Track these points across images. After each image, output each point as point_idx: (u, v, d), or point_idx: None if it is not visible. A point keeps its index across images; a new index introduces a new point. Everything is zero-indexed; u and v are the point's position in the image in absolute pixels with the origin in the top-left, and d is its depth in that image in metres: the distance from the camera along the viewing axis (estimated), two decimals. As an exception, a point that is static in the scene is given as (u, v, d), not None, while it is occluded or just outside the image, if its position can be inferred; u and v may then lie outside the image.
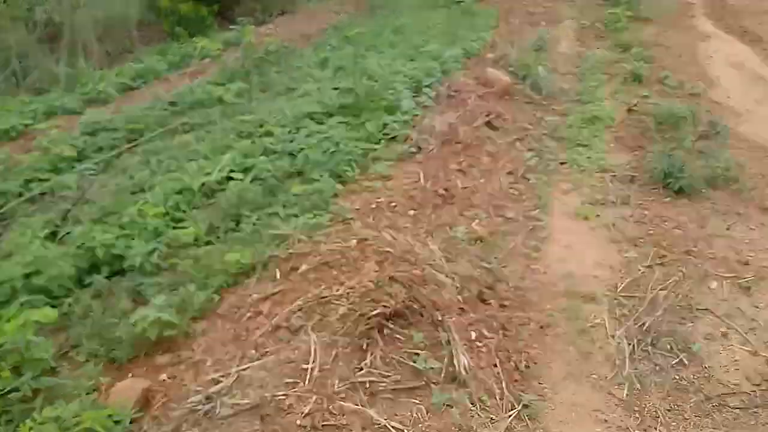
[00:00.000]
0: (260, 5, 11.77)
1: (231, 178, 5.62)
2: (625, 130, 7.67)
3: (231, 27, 10.43)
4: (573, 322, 4.37)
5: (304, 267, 3.93)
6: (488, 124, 7.29)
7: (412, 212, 5.27)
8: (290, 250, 4.17)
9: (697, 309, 4.56)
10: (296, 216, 4.94)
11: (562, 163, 6.85)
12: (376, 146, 6.32)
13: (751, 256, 5.19)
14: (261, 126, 6.72)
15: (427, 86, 8.03)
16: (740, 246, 5.37)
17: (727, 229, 5.65)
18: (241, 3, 11.60)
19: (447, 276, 4.15)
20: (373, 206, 5.28)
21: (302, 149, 6.12)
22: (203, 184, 5.51)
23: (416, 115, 7.00)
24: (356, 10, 13.09)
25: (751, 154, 7.08)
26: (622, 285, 4.80)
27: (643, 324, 4.34)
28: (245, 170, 5.73)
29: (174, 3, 10.37)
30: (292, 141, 6.34)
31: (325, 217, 4.99)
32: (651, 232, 5.53)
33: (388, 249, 4.01)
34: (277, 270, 3.95)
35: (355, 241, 4.12)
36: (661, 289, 4.75)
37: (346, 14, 12.68)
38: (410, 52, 9.69)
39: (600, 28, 11.75)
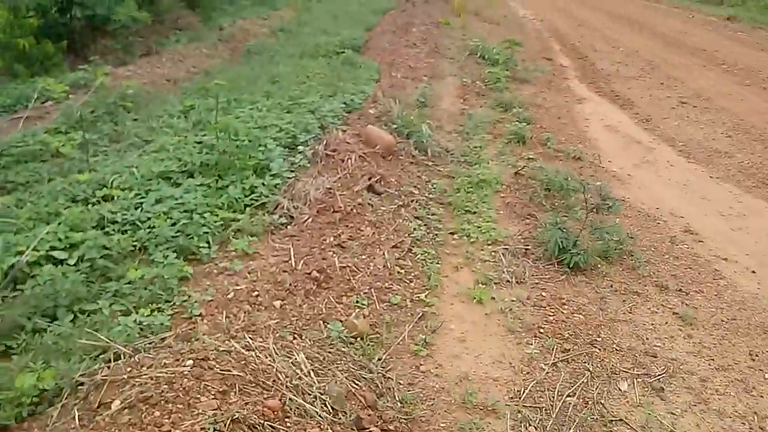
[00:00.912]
0: (120, 44, 10.41)
1: (51, 259, 4.36)
2: (513, 195, 7.12)
3: (82, 67, 9.05)
4: (472, 447, 3.51)
5: (116, 404, 2.79)
6: (370, 188, 6.46)
7: (278, 303, 4.25)
8: (103, 375, 3.02)
9: (611, 420, 3.86)
10: (127, 314, 3.78)
11: (451, 233, 6.12)
12: (240, 216, 5.28)
13: (657, 347, 4.63)
14: (101, 188, 5.49)
15: (303, 143, 7.12)
16: (644, 333, 4.81)
17: (630, 312, 5.09)
18: (97, 41, 10.21)
19: (316, 400, 3.15)
20: (230, 296, 4.22)
21: (148, 219, 4.97)
22: (12, 266, 4.21)
23: (289, 178, 6.02)
24: (231, 55, 12.05)
25: (640, 224, 6.73)
26: (526, 390, 4.03)
27: (554, 448, 3.54)
28: (71, 247, 4.49)
29: (10, 36, 8.83)
30: (137, 208, 5.18)
31: (165, 314, 3.88)
32: (551, 318, 4.85)
33: (235, 372, 2.96)
34: (76, 411, 2.79)
35: (191, 362, 3.03)
36: (568, 395, 4.02)
37: (219, 59, 11.60)
38: (287, 104, 8.77)
39: (481, 86, 11.47)
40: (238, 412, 2.75)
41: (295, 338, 3.83)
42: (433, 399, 3.87)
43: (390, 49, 13.48)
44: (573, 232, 5.89)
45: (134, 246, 4.63)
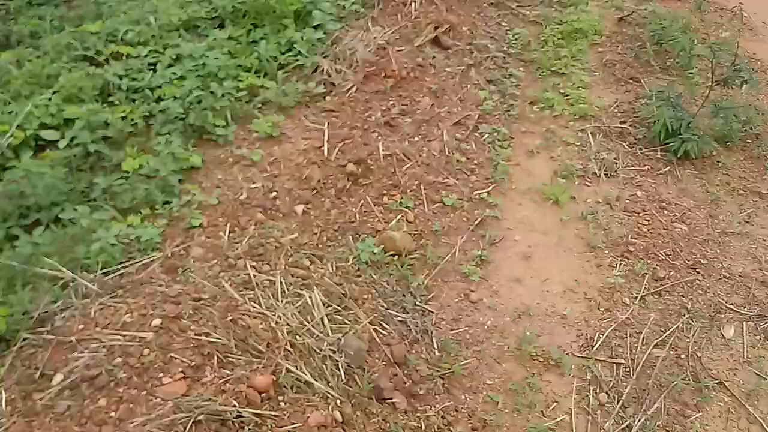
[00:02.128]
0: None
1: (39, 141, 3.63)
2: (614, 50, 5.68)
3: None
4: (523, 414, 2.74)
5: (58, 378, 2.13)
6: (436, 41, 5.21)
7: (300, 208, 3.41)
8: (50, 332, 2.34)
9: (707, 386, 2.96)
10: (107, 226, 3.04)
11: (530, 103, 4.93)
12: (269, 83, 4.27)
13: (781, 276, 3.54)
14: (111, 40, 4.57)
15: (359, -20, 5.78)
16: (764, 253, 3.71)
17: (747, 221, 3.95)
18: None
19: (326, 361, 2.40)
20: (242, 197, 3.39)
21: (159, 87, 4.08)
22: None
23: (333, 31, 4.83)
24: None
25: (773, 91, 5.24)
26: (602, 337, 3.14)
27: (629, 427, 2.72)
28: (64, 124, 3.72)
29: None
30: (150, 70, 4.26)
31: (158, 224, 3.12)
32: (645, 228, 3.81)
33: (216, 337, 2.21)
34: (2, 393, 2.14)
35: (159, 321, 2.30)
36: (656, 345, 3.11)
37: None
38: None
39: None
40: (208, 401, 2.02)
41: (312, 262, 3.02)
42: (482, 343, 3.07)
43: None
44: (687, 107, 4.58)
45: (136, 124, 3.79)
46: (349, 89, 4.32)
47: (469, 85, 4.87)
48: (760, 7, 6.62)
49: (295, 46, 4.63)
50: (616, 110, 4.88)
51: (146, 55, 4.42)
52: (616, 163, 4.30)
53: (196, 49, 4.41)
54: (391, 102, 4.37)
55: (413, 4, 5.41)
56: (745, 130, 4.64)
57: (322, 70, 4.39)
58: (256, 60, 4.47)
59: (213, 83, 4.08)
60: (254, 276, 2.76)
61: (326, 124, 3.98)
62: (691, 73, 5.27)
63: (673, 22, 5.77)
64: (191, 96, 3.92)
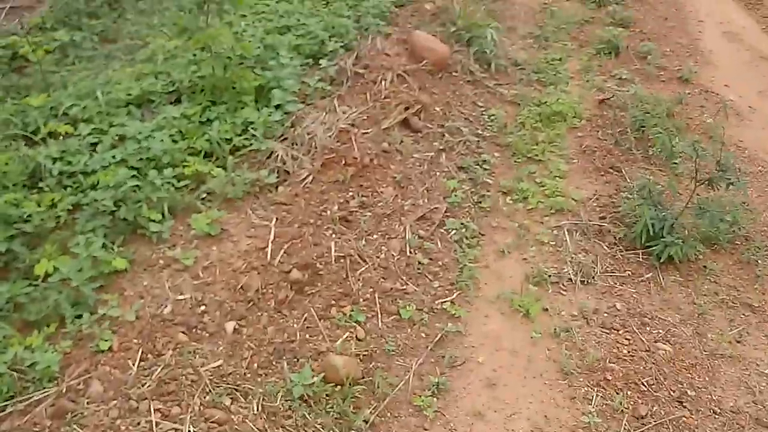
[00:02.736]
0: None
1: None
2: (594, 135, 5.36)
3: None
4: None
5: None
6: (405, 123, 4.87)
7: (231, 325, 2.95)
8: None
9: None
10: (2, 347, 2.57)
11: (504, 193, 4.55)
12: (216, 170, 3.87)
13: (776, 412, 3.10)
14: (54, 115, 4.18)
15: (329, 54, 5.48)
16: (758, 381, 3.28)
17: (738, 340, 3.53)
18: None
19: None
20: (165, 312, 2.93)
21: (94, 172, 3.66)
22: None
23: (290, 113, 4.46)
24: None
25: (762, 189, 4.91)
26: (574, 493, 2.66)
27: None
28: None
29: None
30: (91, 151, 3.86)
31: (58, 348, 2.65)
32: (624, 350, 3.37)
33: None
34: None
35: None
36: None
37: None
38: (325, -6, 6.99)
39: (572, -28, 9.12)
40: None
41: (234, 400, 2.55)
42: (433, 499, 2.58)
43: None
44: (671, 204, 4.22)
45: (59, 217, 3.35)
46: (305, 179, 3.92)
47: (438, 173, 4.51)
48: (744, 90, 6.40)
49: (251, 127, 4.25)
50: (595, 204, 4.51)
51: (88, 134, 4.03)
52: (594, 268, 3.90)
53: (142, 128, 4.03)
54: (350, 193, 3.98)
55: (383, 82, 5.09)
56: (733, 230, 4.27)
57: (277, 156, 4.00)
58: (206, 142, 4.08)
59: (153, 171, 3.66)
60: (158, 424, 2.28)
61: (274, 220, 3.57)
62: (675, 162, 4.95)
63: (655, 106, 5.50)
64: (126, 186, 3.50)
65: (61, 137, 3.95)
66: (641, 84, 6.19)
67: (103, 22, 5.92)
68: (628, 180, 4.74)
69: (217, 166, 3.92)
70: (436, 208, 4.13)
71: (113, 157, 3.77)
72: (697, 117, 5.69)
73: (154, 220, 3.46)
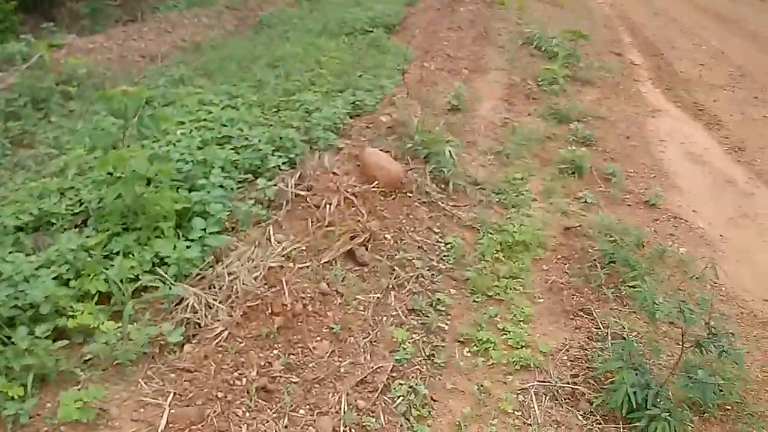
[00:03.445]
0: (89, 7, 8.15)
1: None
2: (561, 268, 4.80)
3: (24, 37, 6.85)
4: None
5: None
6: (350, 255, 4.23)
7: None
8: None
9: None
10: None
11: (461, 342, 3.87)
12: (106, 325, 3.10)
13: None
14: None
15: (270, 170, 4.89)
16: None
17: None
18: (64, 2, 7.98)
19: None
20: None
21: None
22: None
23: (207, 248, 3.77)
24: (237, 26, 9.77)
25: (746, 334, 4.34)
26: None
27: None
28: None
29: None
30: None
31: None
32: None
33: None
34: None
35: None
36: None
37: (220, 30, 9.34)
38: (276, 101, 6.53)
39: (532, 86, 8.92)
40: None
41: None
42: None
43: (429, 31, 11.02)
44: (651, 364, 3.59)
45: None
46: (219, 334, 3.18)
47: (384, 319, 3.82)
48: (714, 216, 6.01)
49: (164, 261, 3.54)
50: (565, 357, 3.86)
51: (-46, 272, 3.24)
52: (568, 448, 3.18)
53: (24, 266, 3.26)
54: (275, 351, 3.24)
55: (328, 206, 4.48)
56: (723, 394, 3.63)
57: (187, 304, 3.26)
58: (103, 283, 3.33)
59: (22, 326, 2.88)
60: None
61: (171, 396, 2.78)
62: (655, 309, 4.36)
63: (624, 236, 5.01)
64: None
65: None
66: (607, 208, 5.76)
67: (21, 124, 5.26)
68: (601, 326, 4.13)
69: (112, 315, 3.15)
70: (380, 367, 3.40)
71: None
72: (670, 248, 5.19)
73: (12, 398, 2.64)
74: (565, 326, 4.17)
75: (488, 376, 3.62)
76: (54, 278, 3.30)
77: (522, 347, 3.84)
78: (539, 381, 3.62)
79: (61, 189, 4.16)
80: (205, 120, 5.69)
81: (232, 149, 5.14)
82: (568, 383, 3.63)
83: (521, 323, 4.09)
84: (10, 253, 3.42)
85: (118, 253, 3.58)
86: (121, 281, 3.34)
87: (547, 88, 8.88)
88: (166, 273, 3.44)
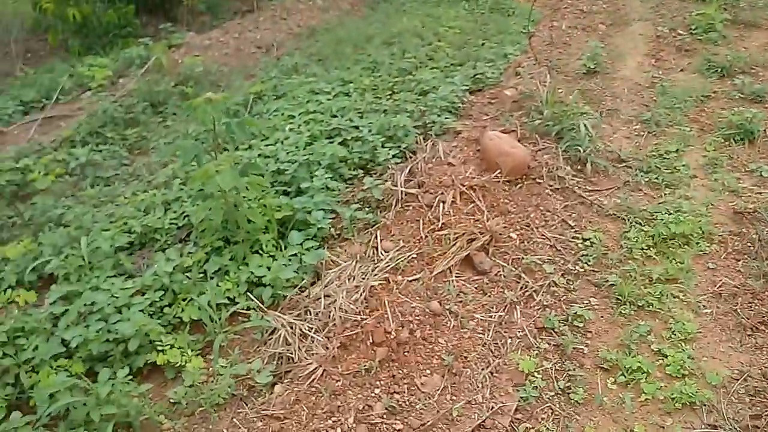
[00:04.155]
0: (204, 3, 8.06)
1: None
2: (732, 269, 3.86)
3: (142, 41, 6.84)
4: None
5: None
6: (468, 261, 3.64)
7: None
8: None
9: None
10: None
11: (604, 369, 3.16)
12: (193, 362, 2.80)
13: None
14: (28, 270, 3.34)
15: (381, 164, 4.41)
16: None
17: None
18: (184, 0, 7.93)
19: None
20: None
21: (36, 368, 2.72)
22: None
23: (314, 261, 3.36)
24: (353, 4, 9.32)
25: None
26: None
27: None
28: None
29: (60, 6, 6.84)
30: (42, 336, 2.93)
31: None
32: None
33: None
34: None
35: None
36: None
37: (336, 12, 8.94)
38: (391, 82, 6.02)
39: (684, 36, 7.56)
40: None
41: None
42: None
43: (559, -15, 9.82)
44: None
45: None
46: (313, 372, 2.76)
47: (509, 342, 3.20)
48: None
49: (257, 284, 3.19)
50: (742, 391, 3.01)
51: (53, 303, 3.11)
52: None
53: (118, 295, 3.05)
54: (377, 391, 2.77)
55: (442, 205, 3.90)
56: None
57: (279, 336, 2.87)
58: (196, 310, 3.04)
59: (104, 369, 2.65)
60: None
61: (257, 450, 2.41)
62: None
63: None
64: (62, 400, 2.49)
65: (17, 310, 3.04)
66: (791, 182, 4.61)
67: (139, 131, 5.20)
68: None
69: (203, 348, 2.85)
70: (501, 407, 2.81)
71: (63, 343, 2.80)
72: None
73: (87, 452, 2.42)
74: (741, 346, 3.29)
75: (640, 417, 2.90)
76: (150, 305, 3.07)
77: (684, 376, 3.06)
78: (708, 425, 2.83)
79: (166, 201, 3.97)
80: (315, 112, 5.33)
81: (342, 143, 4.73)
82: (748, 427, 2.80)
83: (682, 343, 3.28)
84: (109, 277, 3.24)
85: (215, 274, 3.28)
86: (216, 306, 3.02)
87: (702, 36, 7.48)
88: (261, 295, 3.08)
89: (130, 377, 2.68)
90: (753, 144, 5.19)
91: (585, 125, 5.05)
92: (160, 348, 2.84)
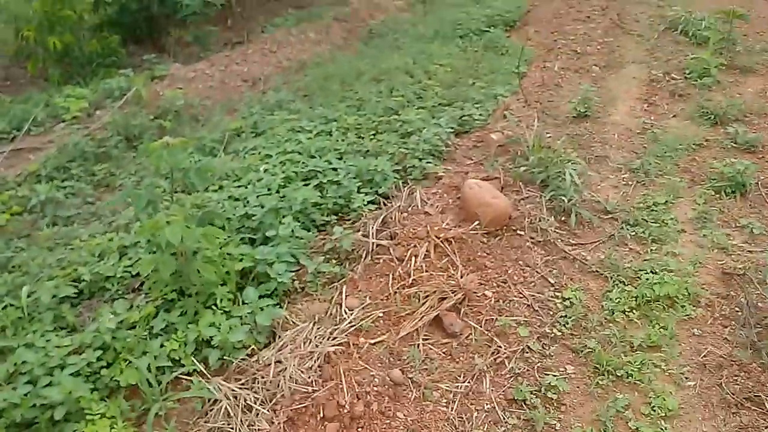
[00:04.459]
0: (192, 34, 7.92)
1: None
2: (718, 335, 3.64)
3: (122, 72, 6.67)
4: None
5: None
6: (437, 323, 3.40)
7: None
8: None
9: None
10: None
11: (576, 451, 2.91)
12: (123, 437, 2.56)
13: None
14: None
15: (354, 211, 4.21)
16: None
17: None
18: (171, 31, 7.81)
19: None
20: None
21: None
22: None
23: (269, 322, 3.13)
24: (346, 39, 9.21)
25: None
26: None
27: None
28: None
29: (42, 33, 6.72)
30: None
31: None
32: None
33: None
34: None
35: None
36: None
37: (328, 45, 8.82)
38: (374, 122, 5.86)
39: (678, 81, 7.42)
40: None
41: None
42: None
43: (554, 24, 9.78)
44: None
45: None
46: (253, 451, 2.51)
47: (475, 415, 2.95)
48: None
49: (200, 348, 2.95)
50: (729, 479, 2.75)
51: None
52: None
53: (53, 352, 2.81)
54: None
55: (414, 259, 3.69)
56: None
57: (221, 407, 2.63)
58: (136, 374, 2.80)
59: (24, 443, 2.41)
60: None
61: None
62: None
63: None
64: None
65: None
66: (781, 242, 4.40)
67: (108, 167, 4.99)
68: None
69: (138, 417, 2.60)
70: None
71: (-15, 410, 2.56)
72: None
73: None
74: (725, 425, 3.05)
75: (614, 507, 2.64)
76: (87, 365, 2.83)
77: (665, 460, 2.81)
78: None
79: (122, 246, 3.75)
80: (293, 152, 5.14)
81: (317, 186, 4.53)
82: None
83: (662, 421, 3.05)
84: (47, 332, 3.01)
85: (160, 333, 3.05)
86: (158, 369, 2.78)
87: (696, 81, 7.35)
88: (208, 358, 2.84)
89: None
90: (744, 197, 5.01)
91: (571, 174, 4.86)
92: (89, 417, 2.60)
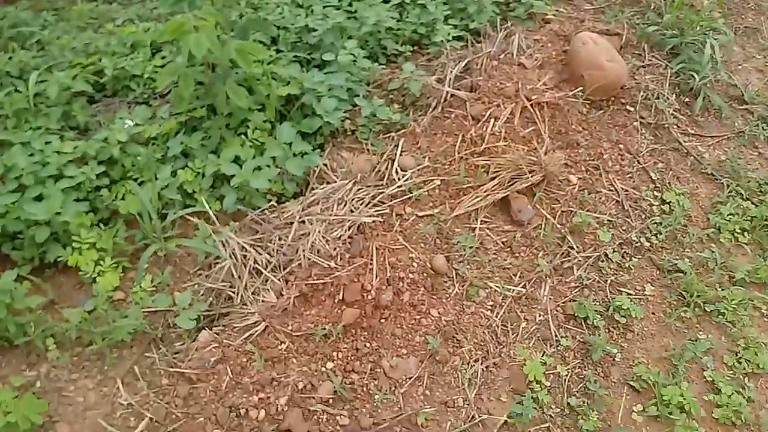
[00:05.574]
0: None
1: None
2: None
3: None
4: None
5: None
6: (505, 204, 2.79)
7: None
8: None
9: None
10: None
11: (634, 391, 2.41)
12: (108, 275, 2.17)
13: None
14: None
15: (437, 45, 3.42)
16: None
17: None
18: None
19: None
20: None
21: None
22: None
23: (305, 171, 2.59)
24: None
25: None
26: None
27: None
28: None
29: None
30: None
31: None
32: None
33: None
34: None
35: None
36: None
37: None
38: None
39: None
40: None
41: None
42: None
43: None
44: None
45: None
46: (254, 325, 2.09)
47: (522, 326, 2.44)
48: None
49: (224, 186, 2.46)
50: (811, 469, 2.23)
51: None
52: None
53: (51, 159, 2.39)
54: (329, 365, 2.10)
55: (493, 121, 2.97)
56: None
57: (225, 265, 2.18)
58: (138, 203, 2.37)
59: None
60: None
61: (144, 421, 1.83)
62: None
63: None
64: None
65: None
66: None
67: None
68: None
69: (131, 255, 2.21)
70: (485, 419, 2.13)
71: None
72: None
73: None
74: (826, 401, 2.44)
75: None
76: (86, 181, 2.40)
77: (734, 427, 2.28)
78: None
79: (156, 41, 3.15)
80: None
81: (397, 6, 3.68)
82: None
83: (746, 377, 2.49)
84: (50, 132, 2.57)
85: (180, 156, 2.56)
86: (151, 210, 2.32)
87: None
88: (223, 201, 2.37)
89: (34, 274, 2.09)
90: None
91: (712, 45, 3.81)
92: (76, 245, 2.22)
